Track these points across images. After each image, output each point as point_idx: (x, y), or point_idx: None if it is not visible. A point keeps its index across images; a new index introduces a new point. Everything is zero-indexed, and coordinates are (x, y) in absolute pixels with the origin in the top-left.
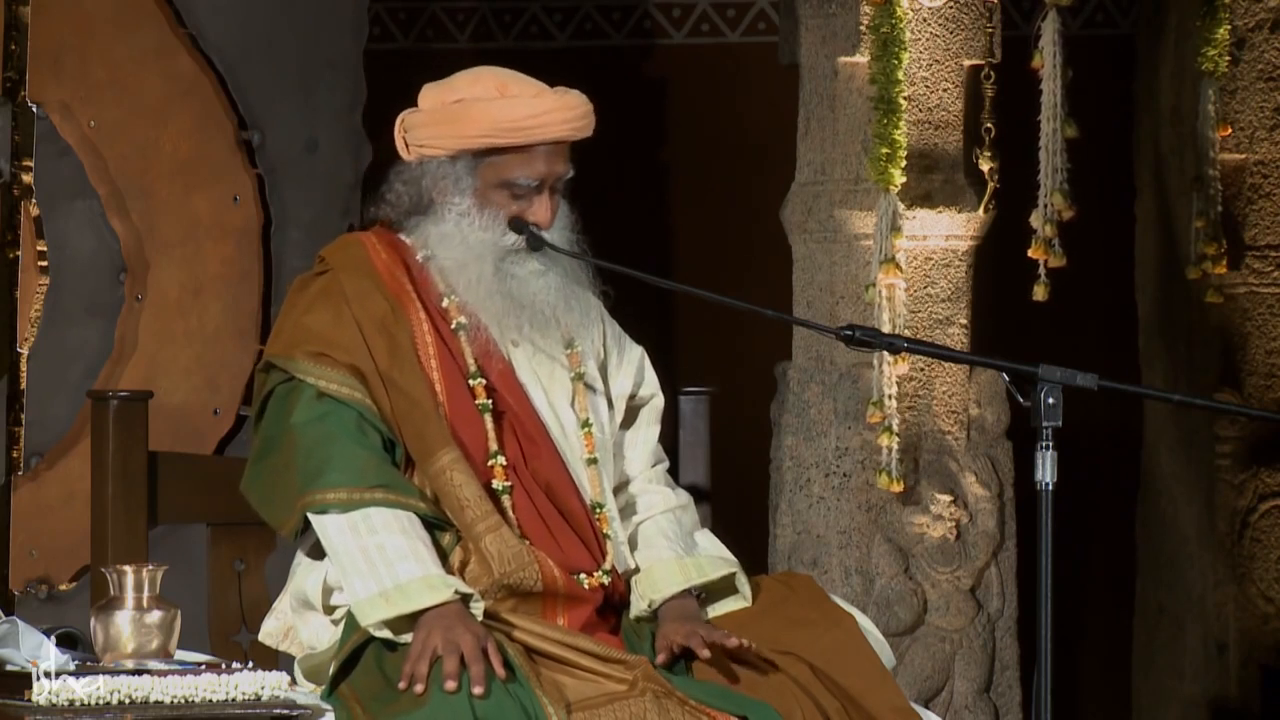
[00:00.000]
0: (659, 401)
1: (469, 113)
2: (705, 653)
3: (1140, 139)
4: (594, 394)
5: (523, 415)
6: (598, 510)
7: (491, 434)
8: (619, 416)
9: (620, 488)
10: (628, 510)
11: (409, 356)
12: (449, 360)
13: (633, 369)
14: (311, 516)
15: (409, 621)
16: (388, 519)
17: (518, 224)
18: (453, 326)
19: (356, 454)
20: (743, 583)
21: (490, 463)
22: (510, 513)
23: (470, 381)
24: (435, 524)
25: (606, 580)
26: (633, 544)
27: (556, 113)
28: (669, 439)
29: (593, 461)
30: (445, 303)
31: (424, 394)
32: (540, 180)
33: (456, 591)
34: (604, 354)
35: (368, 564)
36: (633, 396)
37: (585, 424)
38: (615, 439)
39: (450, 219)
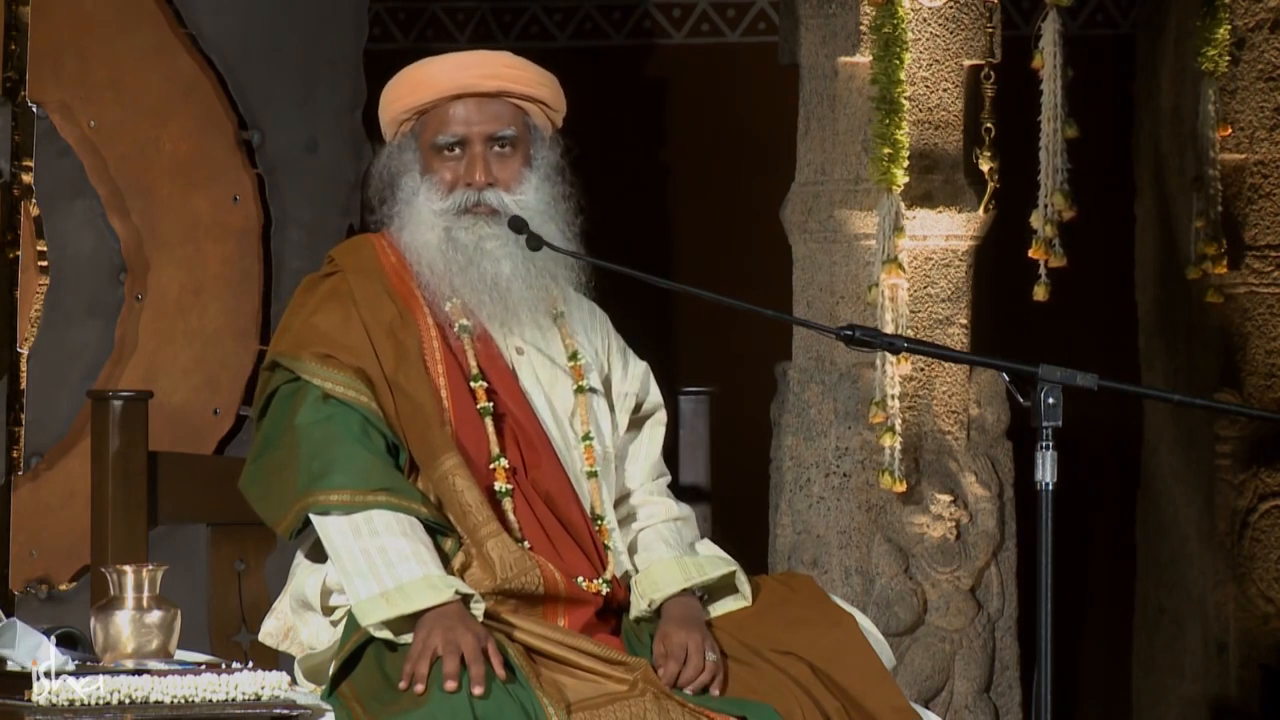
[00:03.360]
0: (662, 415)
1: (390, 89)
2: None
3: (1140, 139)
4: (596, 407)
5: (524, 421)
6: (598, 522)
7: (492, 437)
8: (623, 422)
9: (621, 499)
10: (628, 519)
11: (415, 362)
12: (453, 364)
13: (637, 383)
14: (313, 517)
15: (409, 622)
16: (389, 521)
17: (516, 223)
18: (455, 329)
19: (360, 456)
20: (742, 582)
21: (492, 465)
22: (511, 516)
23: (471, 384)
24: (437, 529)
25: (606, 589)
26: (632, 550)
27: (452, 62)
28: (669, 438)
29: (593, 475)
30: (448, 306)
31: (428, 399)
32: (461, 137)
33: (457, 591)
34: (608, 367)
35: (369, 565)
36: (637, 409)
37: (586, 437)
38: (618, 450)
39: (403, 200)
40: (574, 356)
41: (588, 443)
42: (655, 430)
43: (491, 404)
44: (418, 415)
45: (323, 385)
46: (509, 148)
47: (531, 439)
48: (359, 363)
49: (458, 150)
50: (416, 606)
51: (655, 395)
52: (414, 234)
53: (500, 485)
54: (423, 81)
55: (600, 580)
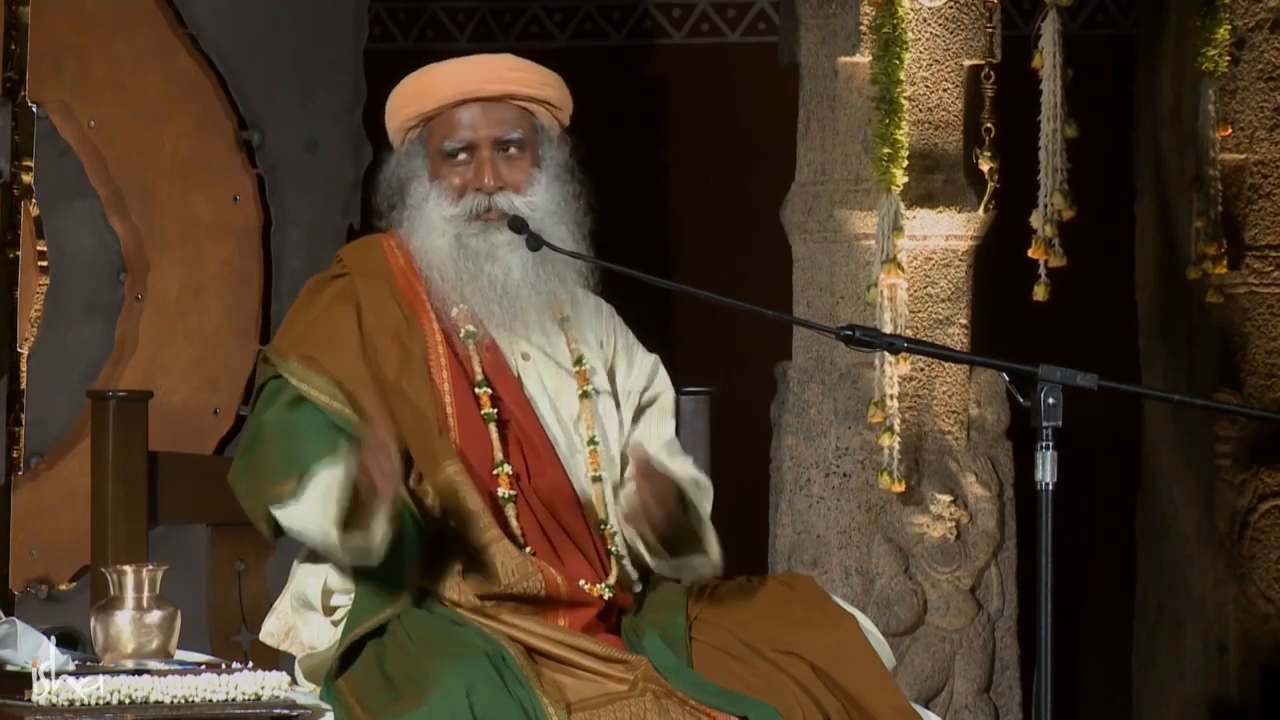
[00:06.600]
0: (670, 395)
1: (395, 96)
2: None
3: (1140, 139)
4: (602, 411)
5: (528, 427)
6: (603, 528)
7: (496, 443)
8: (628, 417)
9: None
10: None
11: (420, 368)
12: (458, 370)
13: (643, 376)
14: (276, 513)
15: (358, 518)
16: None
17: (517, 223)
18: (461, 335)
19: (312, 447)
20: (710, 537)
21: (496, 471)
22: (513, 522)
23: (476, 390)
24: (438, 532)
25: (609, 595)
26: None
27: (455, 68)
28: None
29: (598, 480)
30: (455, 311)
31: (430, 406)
32: (468, 142)
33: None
34: (613, 361)
35: (323, 509)
36: (642, 393)
37: (591, 442)
38: (629, 438)
39: (413, 206)
40: (579, 361)
41: (593, 448)
42: (665, 410)
43: (495, 410)
44: (420, 421)
45: (299, 387)
46: (516, 150)
47: (535, 445)
48: (339, 372)
49: (465, 156)
50: (336, 499)
51: (663, 381)
52: (424, 240)
53: (503, 491)
54: (425, 89)
55: (603, 585)
